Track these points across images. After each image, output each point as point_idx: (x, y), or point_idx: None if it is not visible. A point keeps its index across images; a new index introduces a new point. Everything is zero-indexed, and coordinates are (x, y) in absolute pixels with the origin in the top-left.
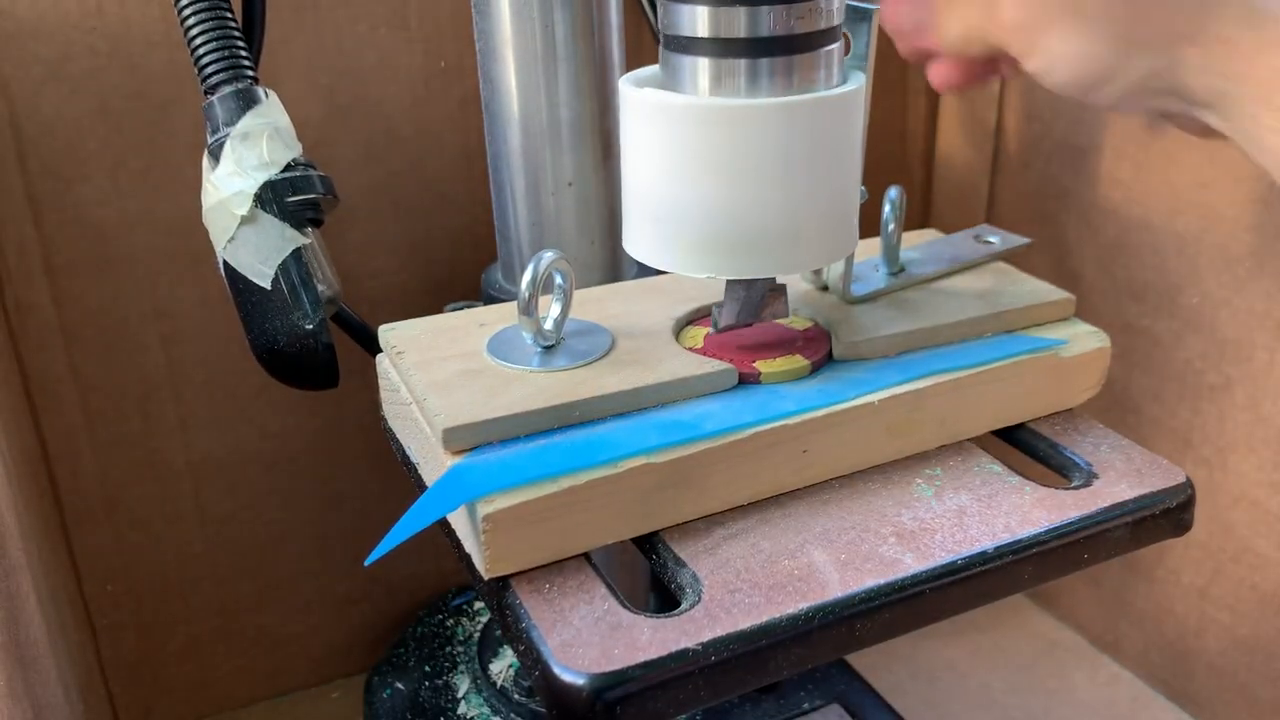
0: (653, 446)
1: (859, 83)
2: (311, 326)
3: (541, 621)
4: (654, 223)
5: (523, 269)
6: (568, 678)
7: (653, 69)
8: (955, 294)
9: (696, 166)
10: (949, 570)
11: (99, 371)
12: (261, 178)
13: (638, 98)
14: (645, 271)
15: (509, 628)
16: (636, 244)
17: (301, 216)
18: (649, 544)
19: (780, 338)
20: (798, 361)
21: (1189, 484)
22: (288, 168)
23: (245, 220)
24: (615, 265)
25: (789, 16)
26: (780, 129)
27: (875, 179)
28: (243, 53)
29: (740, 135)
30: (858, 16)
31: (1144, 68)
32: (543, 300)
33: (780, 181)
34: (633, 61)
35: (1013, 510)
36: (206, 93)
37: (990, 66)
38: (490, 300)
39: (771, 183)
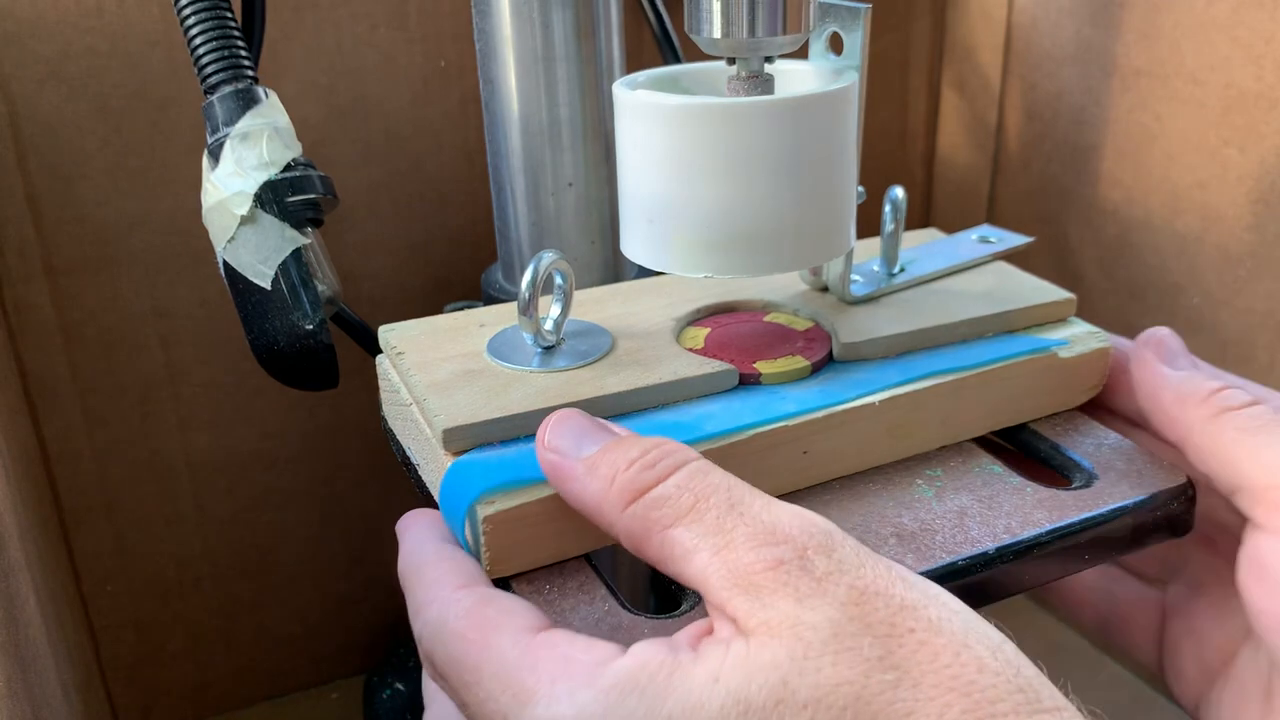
0: None
1: (851, 80)
2: (311, 327)
3: None
4: (648, 224)
5: (523, 269)
6: None
7: (647, 72)
8: (956, 294)
9: (689, 166)
10: (950, 571)
11: (98, 371)
12: (261, 178)
13: (630, 99)
14: (645, 272)
15: None
16: (632, 246)
17: (301, 216)
18: None
19: (781, 338)
20: (798, 362)
21: (1190, 485)
22: (287, 168)
23: (245, 220)
24: (615, 265)
25: None
26: (769, 128)
27: (876, 179)
28: (242, 52)
29: (731, 134)
30: (849, 15)
31: None
32: (542, 301)
33: (773, 180)
34: (633, 62)
35: (1014, 511)
36: (206, 92)
37: None
38: (490, 300)
39: (764, 181)
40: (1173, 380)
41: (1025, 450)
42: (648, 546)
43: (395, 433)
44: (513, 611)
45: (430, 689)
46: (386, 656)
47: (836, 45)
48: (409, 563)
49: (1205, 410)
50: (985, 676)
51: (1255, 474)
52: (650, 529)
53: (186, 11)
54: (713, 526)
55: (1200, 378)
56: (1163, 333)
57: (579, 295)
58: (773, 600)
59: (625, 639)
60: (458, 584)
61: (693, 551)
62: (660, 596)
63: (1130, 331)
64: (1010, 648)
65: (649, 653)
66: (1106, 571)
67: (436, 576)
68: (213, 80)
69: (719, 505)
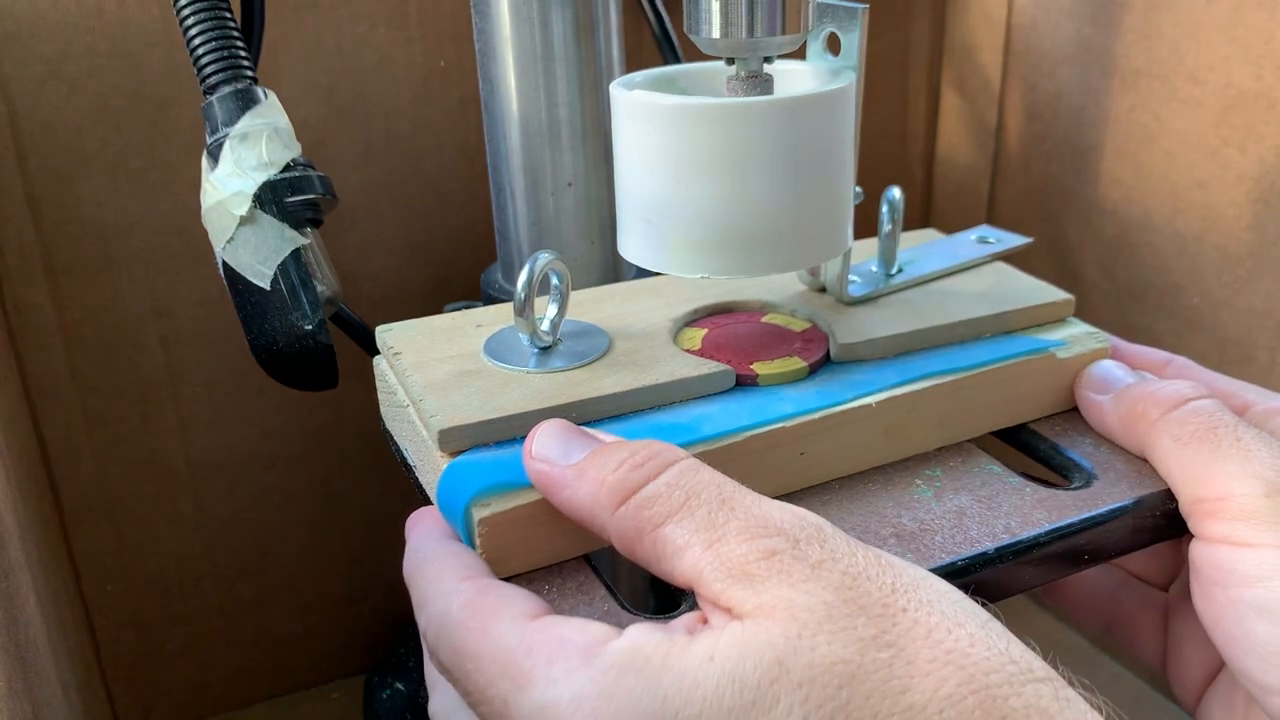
0: None
1: (847, 81)
2: (311, 327)
3: None
4: (646, 224)
5: (522, 269)
6: None
7: (645, 72)
8: (954, 294)
9: (685, 167)
10: (949, 571)
11: (98, 371)
12: (260, 178)
13: (627, 99)
14: (644, 273)
15: None
16: (629, 246)
17: (301, 217)
18: None
19: (778, 339)
20: (795, 363)
21: None
22: (287, 168)
23: (244, 220)
24: (614, 266)
25: None
26: (767, 128)
27: (875, 179)
28: (242, 53)
29: (727, 135)
30: (847, 15)
31: None
32: (539, 301)
33: (770, 180)
34: (632, 62)
35: (1013, 511)
36: (205, 93)
37: None
38: (490, 300)
39: (761, 182)
40: (1110, 405)
41: (1025, 450)
42: (639, 547)
43: (393, 434)
44: (511, 599)
45: (433, 676)
46: (386, 656)
47: (834, 45)
48: (413, 560)
49: (1143, 424)
50: (978, 649)
51: (1186, 487)
52: (642, 528)
53: (186, 12)
54: (704, 522)
55: (1135, 390)
56: (1090, 369)
57: (576, 295)
58: (766, 586)
59: None
60: (459, 576)
61: (685, 548)
62: (660, 597)
63: (1130, 331)
64: (998, 625)
65: (644, 634)
66: (1109, 574)
67: (439, 571)
68: (212, 81)
69: (710, 501)
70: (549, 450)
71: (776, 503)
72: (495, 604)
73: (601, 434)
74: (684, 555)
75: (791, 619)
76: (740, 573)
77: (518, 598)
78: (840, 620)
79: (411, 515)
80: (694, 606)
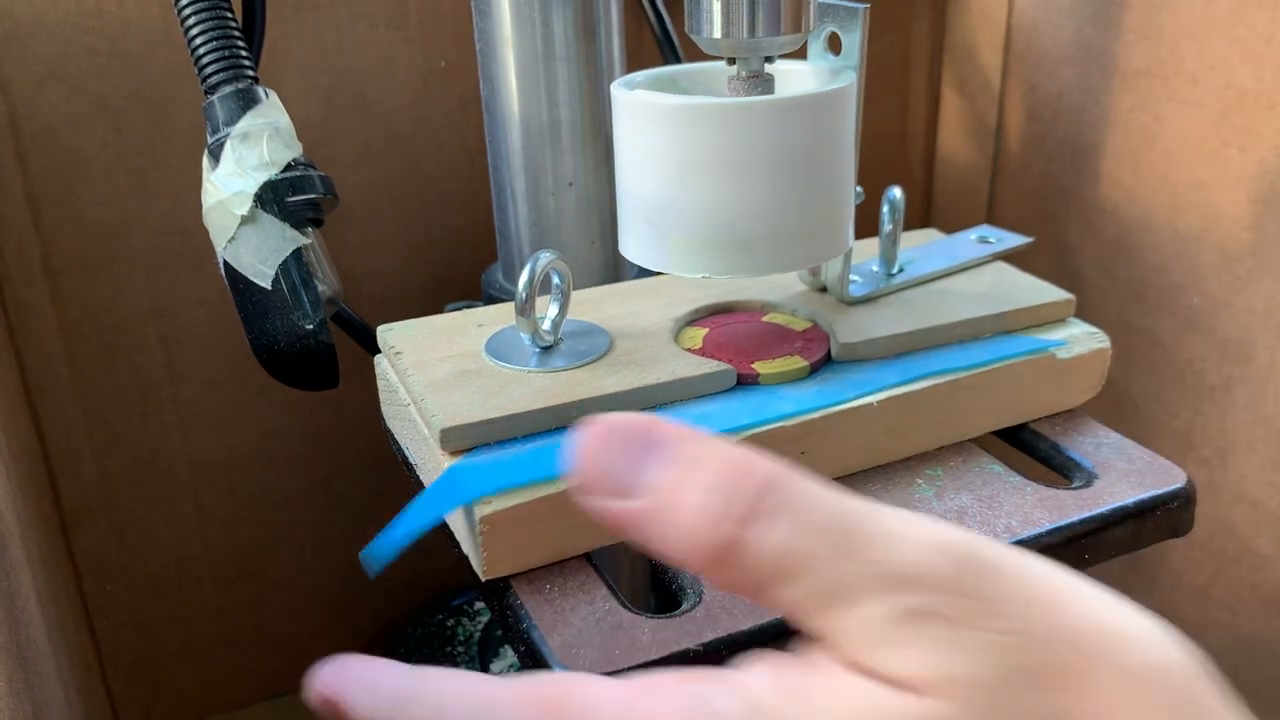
0: None
1: (848, 81)
2: (311, 326)
3: (542, 622)
4: (647, 224)
5: (523, 269)
6: None
7: (645, 72)
8: (955, 294)
9: (687, 167)
10: None
11: (98, 371)
12: (261, 177)
13: (628, 99)
14: (645, 273)
15: (509, 628)
16: (630, 246)
17: (301, 216)
18: None
19: (779, 338)
20: (796, 362)
21: (1190, 485)
22: (288, 167)
23: (245, 220)
24: (615, 266)
25: None
26: (768, 128)
27: (875, 179)
28: (243, 52)
29: (729, 135)
30: (848, 15)
31: None
32: (540, 301)
33: (770, 180)
34: (633, 62)
35: (1013, 511)
36: (206, 92)
37: None
38: (490, 300)
39: (761, 182)
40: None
41: (1025, 450)
42: (740, 593)
43: (394, 433)
44: (569, 681)
45: None
46: (386, 657)
47: (835, 45)
48: (387, 704)
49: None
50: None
51: None
52: (743, 588)
53: (187, 11)
54: (822, 585)
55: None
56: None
57: (577, 295)
58: (910, 655)
59: (626, 638)
60: (470, 687)
61: (802, 613)
62: (660, 596)
63: (1131, 332)
64: (1203, 681)
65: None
66: None
67: (438, 689)
68: (213, 80)
69: (826, 555)
70: (611, 479)
71: (914, 532)
72: (554, 676)
73: (665, 422)
74: (803, 620)
75: (954, 697)
76: (875, 640)
77: (566, 678)
78: (1014, 692)
79: (323, 677)
80: (695, 604)
